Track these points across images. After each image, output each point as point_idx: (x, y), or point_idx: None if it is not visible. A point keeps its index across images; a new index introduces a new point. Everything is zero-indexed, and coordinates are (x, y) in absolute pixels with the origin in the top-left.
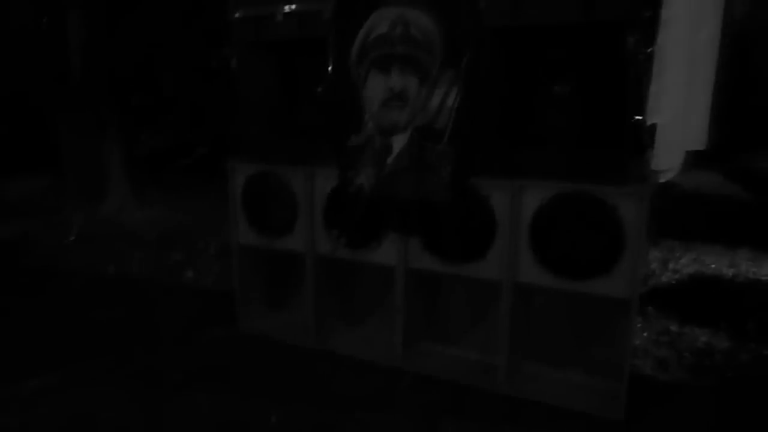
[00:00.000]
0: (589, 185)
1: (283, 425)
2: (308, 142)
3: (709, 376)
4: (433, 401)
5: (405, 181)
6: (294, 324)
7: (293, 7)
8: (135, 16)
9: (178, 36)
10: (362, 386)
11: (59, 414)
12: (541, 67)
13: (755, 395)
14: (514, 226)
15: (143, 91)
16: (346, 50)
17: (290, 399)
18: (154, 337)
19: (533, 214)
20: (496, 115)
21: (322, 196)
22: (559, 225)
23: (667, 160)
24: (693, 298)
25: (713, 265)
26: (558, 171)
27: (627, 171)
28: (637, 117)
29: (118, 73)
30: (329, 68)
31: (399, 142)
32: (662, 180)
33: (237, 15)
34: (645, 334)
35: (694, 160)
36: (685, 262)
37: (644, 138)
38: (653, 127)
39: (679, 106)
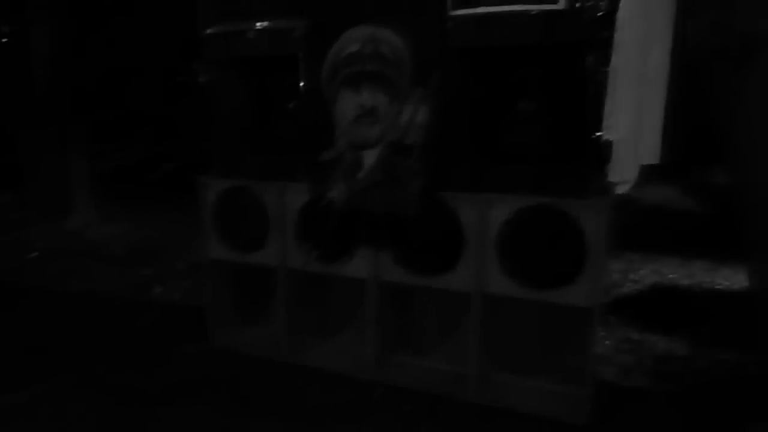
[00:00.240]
0: (552, 198)
1: None
2: (280, 157)
3: (669, 381)
4: (407, 411)
5: (376, 195)
6: (266, 338)
7: (264, 24)
8: (101, 31)
9: (145, 50)
10: (336, 398)
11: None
12: (505, 86)
13: (713, 398)
14: (482, 239)
15: (107, 106)
16: (318, 68)
17: (266, 412)
18: (124, 353)
19: (500, 227)
20: (464, 132)
21: (293, 210)
22: (525, 237)
23: (622, 173)
24: (653, 307)
25: (671, 276)
26: (523, 185)
27: (588, 184)
28: (597, 133)
29: (83, 87)
30: (301, 85)
31: (370, 157)
32: (619, 192)
33: (209, 31)
34: (608, 342)
35: (652, 175)
36: (645, 273)
37: (603, 153)
38: (608, 143)
39: (632, 124)
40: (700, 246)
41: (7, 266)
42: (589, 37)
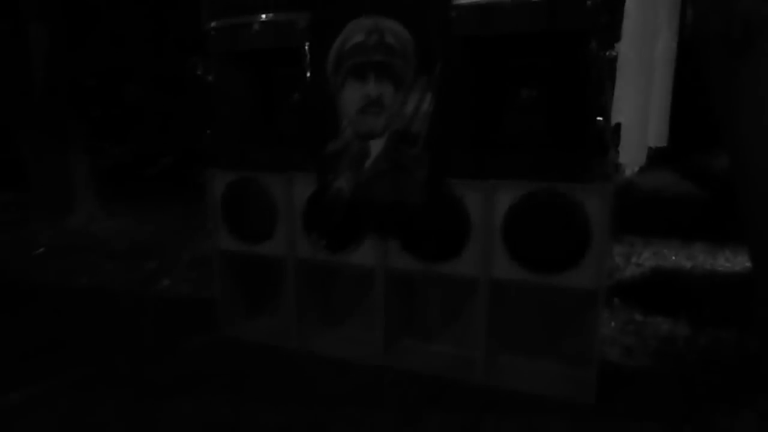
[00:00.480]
0: (556, 184)
1: (272, 425)
2: (286, 148)
3: (672, 361)
4: (416, 395)
5: (382, 184)
6: (276, 327)
7: (268, 17)
8: (97, 28)
9: (143, 46)
10: (347, 384)
11: (48, 423)
12: (509, 74)
13: (714, 375)
14: (488, 225)
15: (106, 102)
16: (323, 59)
17: (277, 399)
18: (136, 345)
19: (505, 213)
20: (468, 120)
21: (301, 200)
22: (530, 222)
23: (632, 155)
24: (655, 289)
25: (673, 258)
26: (527, 171)
27: (591, 170)
28: (599, 119)
29: (82, 84)
30: (306, 76)
31: (376, 146)
32: (627, 173)
33: (213, 24)
34: (612, 324)
35: (653, 159)
36: (647, 256)
37: (606, 138)
38: (618, 125)
39: (641, 107)
40: (700, 229)
41: (13, 263)
42: (590, 25)
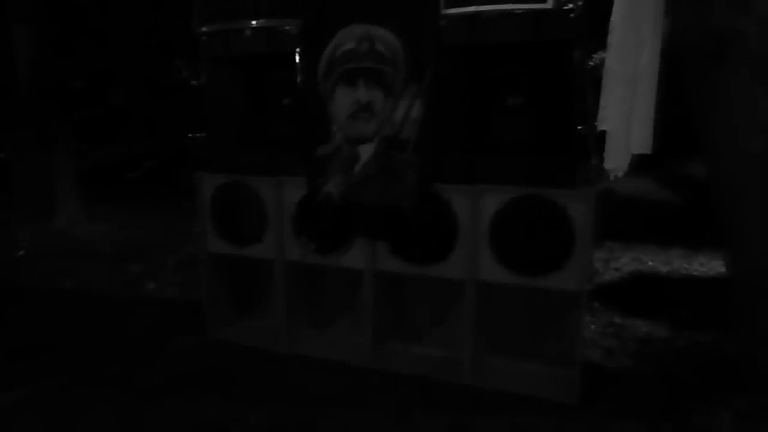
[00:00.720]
0: (541, 189)
1: (262, 426)
2: (276, 152)
3: (651, 362)
4: (404, 395)
5: (372, 188)
6: (263, 329)
7: (260, 22)
8: (83, 30)
9: (129, 49)
10: (335, 385)
11: (37, 424)
12: (495, 82)
13: (692, 375)
14: (475, 228)
15: (91, 105)
16: (314, 65)
17: (267, 400)
18: (122, 348)
19: (492, 217)
20: (457, 126)
21: (290, 204)
22: (516, 225)
23: (615, 161)
24: (634, 293)
25: (650, 263)
26: (513, 176)
27: (574, 175)
28: (582, 126)
29: (67, 86)
30: (297, 82)
31: (366, 151)
32: (611, 178)
33: (204, 29)
34: (593, 327)
35: (632, 166)
36: (625, 261)
37: (589, 145)
38: (602, 133)
39: (623, 116)
40: (676, 235)
41: None
42: (574, 35)
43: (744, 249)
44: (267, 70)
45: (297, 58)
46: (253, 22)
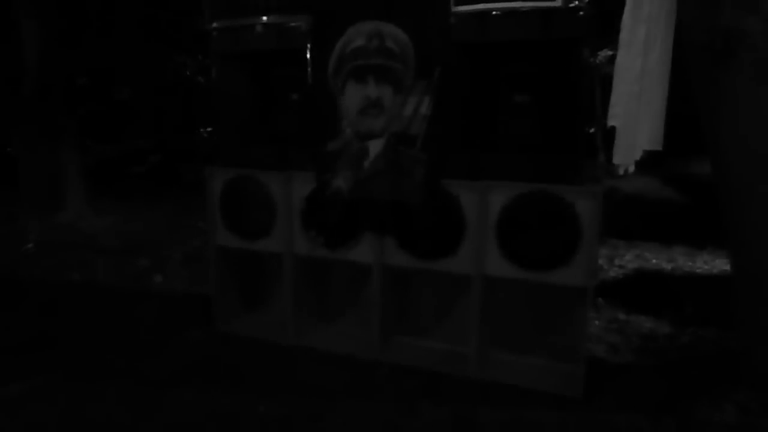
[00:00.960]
0: (548, 185)
1: (272, 415)
2: (285, 147)
3: (655, 357)
4: (410, 388)
5: (381, 183)
6: (271, 322)
7: (270, 19)
8: (91, 25)
9: (134, 45)
10: (343, 377)
11: (49, 414)
12: (504, 79)
13: (695, 371)
14: (482, 224)
15: (97, 100)
16: (324, 61)
17: (275, 391)
18: (131, 340)
19: (499, 212)
20: (465, 123)
21: (299, 198)
22: (523, 221)
23: (624, 156)
24: (637, 289)
25: (654, 261)
26: (521, 173)
27: (582, 172)
28: (590, 123)
29: (73, 82)
30: (307, 78)
31: (375, 147)
32: (621, 173)
33: (214, 26)
34: (597, 323)
35: (636, 164)
36: (629, 258)
37: (596, 142)
38: (612, 129)
39: (632, 113)
40: (680, 233)
41: (3, 259)
42: (582, 34)
43: (748, 247)
44: (276, 66)
45: (307, 55)
46: (264, 18)
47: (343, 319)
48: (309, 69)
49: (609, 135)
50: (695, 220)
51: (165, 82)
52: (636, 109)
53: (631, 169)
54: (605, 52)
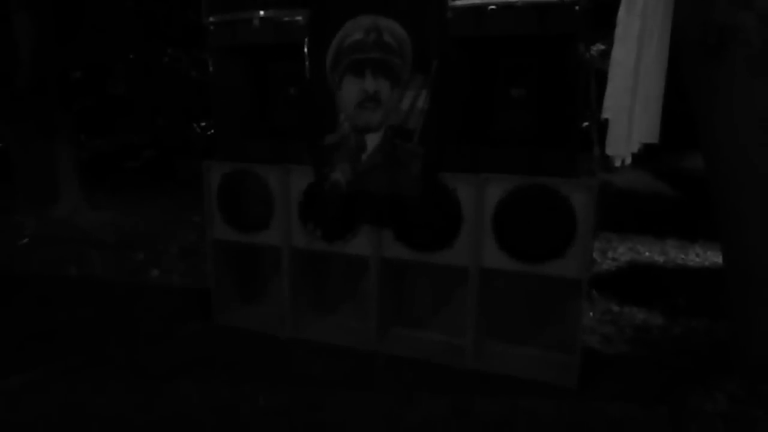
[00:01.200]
0: (544, 178)
1: (271, 406)
2: (283, 141)
3: (648, 348)
4: (408, 378)
5: (378, 176)
6: (269, 315)
7: (268, 13)
8: (85, 19)
9: (129, 39)
10: (341, 368)
11: (50, 405)
12: (500, 73)
13: (687, 361)
14: (479, 216)
15: (91, 95)
16: (322, 55)
17: (274, 382)
18: (130, 333)
19: (496, 205)
20: (462, 116)
21: (296, 191)
22: (519, 214)
23: (617, 148)
24: (630, 282)
25: (647, 254)
26: (517, 166)
27: (577, 165)
28: (585, 117)
29: (68, 76)
30: (305, 72)
31: (373, 140)
32: (618, 164)
33: (212, 19)
34: (591, 315)
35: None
36: (622, 251)
37: (591, 135)
38: (605, 121)
39: (625, 106)
40: (672, 226)
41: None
42: (578, 29)
43: (739, 240)
44: (273, 60)
45: (305, 49)
46: (261, 13)
47: (341, 311)
48: (307, 63)
49: (604, 128)
50: (687, 214)
51: (159, 77)
52: (630, 102)
53: (628, 160)
54: (598, 47)
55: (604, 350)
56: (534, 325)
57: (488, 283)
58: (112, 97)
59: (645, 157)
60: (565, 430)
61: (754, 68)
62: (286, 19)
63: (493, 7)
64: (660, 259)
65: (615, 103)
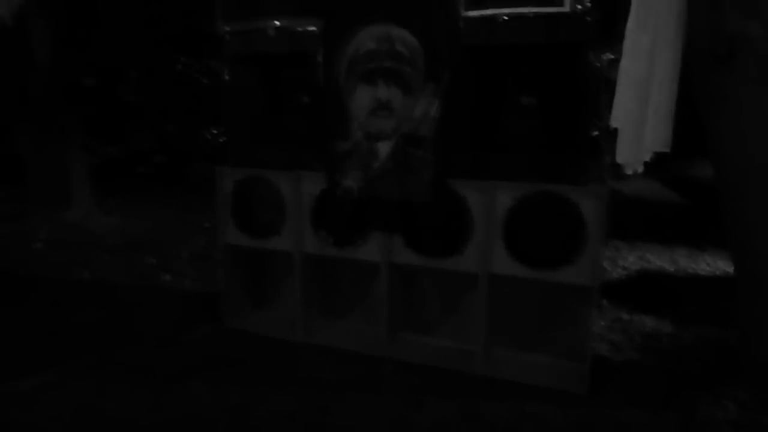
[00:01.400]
0: (554, 185)
1: (281, 409)
2: (295, 148)
3: (657, 355)
4: (417, 383)
5: (390, 183)
6: (279, 319)
7: (282, 23)
8: (97, 26)
9: (140, 46)
10: (350, 372)
11: (64, 406)
12: (510, 81)
13: (696, 369)
14: (489, 223)
15: (103, 100)
16: (335, 64)
17: (284, 385)
18: (141, 336)
19: (506, 212)
20: (472, 124)
21: (308, 198)
22: (529, 221)
23: (626, 156)
24: (640, 290)
25: (656, 262)
26: (527, 173)
27: (587, 173)
28: (594, 125)
29: (80, 82)
30: (318, 80)
31: (385, 147)
32: (630, 173)
33: (227, 28)
34: (601, 323)
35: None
36: (632, 260)
37: (601, 143)
38: (614, 130)
39: (633, 115)
40: (681, 235)
41: (13, 257)
42: (587, 38)
43: (749, 249)
44: (286, 68)
45: (319, 58)
46: (276, 23)
47: (351, 316)
48: (320, 72)
49: (614, 136)
50: (696, 222)
51: (170, 84)
52: (639, 111)
53: (640, 169)
54: (607, 56)
55: (613, 357)
56: (543, 332)
57: (498, 289)
58: (123, 103)
59: (653, 165)
60: None
61: (762, 76)
62: (300, 28)
63: (505, 17)
64: (670, 267)
65: (623, 113)
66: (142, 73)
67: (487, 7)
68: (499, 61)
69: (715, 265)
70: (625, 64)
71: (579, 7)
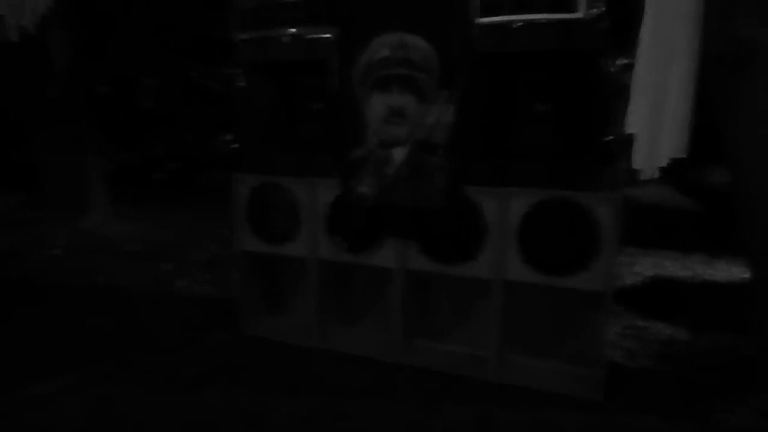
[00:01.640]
0: (568, 192)
1: (296, 415)
2: (310, 155)
3: (672, 362)
4: (431, 389)
5: (404, 190)
6: (295, 325)
7: (297, 31)
8: (114, 35)
9: (155, 55)
10: (364, 378)
11: (79, 411)
12: (524, 88)
13: (711, 376)
14: (503, 230)
15: (118, 108)
16: (349, 71)
17: (299, 391)
18: (157, 341)
19: (520, 218)
20: (486, 131)
21: (323, 204)
22: (543, 227)
23: (642, 162)
24: (655, 297)
25: (671, 269)
26: (541, 180)
27: (601, 179)
28: (609, 131)
29: (96, 90)
30: (332, 87)
31: (399, 154)
32: (645, 178)
33: (242, 37)
34: (615, 329)
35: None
36: (646, 267)
37: (615, 149)
38: (630, 136)
39: (648, 121)
40: (696, 241)
41: (31, 263)
42: (601, 44)
43: (765, 254)
44: (301, 75)
45: (335, 65)
46: (292, 30)
47: (365, 322)
48: (335, 79)
49: (630, 143)
50: (711, 229)
51: (184, 91)
52: (653, 118)
53: (656, 175)
54: (621, 61)
55: (627, 364)
56: (557, 338)
57: (512, 295)
58: (139, 110)
59: (667, 171)
60: None
61: None
62: (315, 36)
63: (519, 24)
64: (685, 274)
65: (638, 118)
66: (157, 81)
67: (501, 14)
68: (513, 68)
69: (729, 271)
70: (639, 69)
71: (593, 13)
